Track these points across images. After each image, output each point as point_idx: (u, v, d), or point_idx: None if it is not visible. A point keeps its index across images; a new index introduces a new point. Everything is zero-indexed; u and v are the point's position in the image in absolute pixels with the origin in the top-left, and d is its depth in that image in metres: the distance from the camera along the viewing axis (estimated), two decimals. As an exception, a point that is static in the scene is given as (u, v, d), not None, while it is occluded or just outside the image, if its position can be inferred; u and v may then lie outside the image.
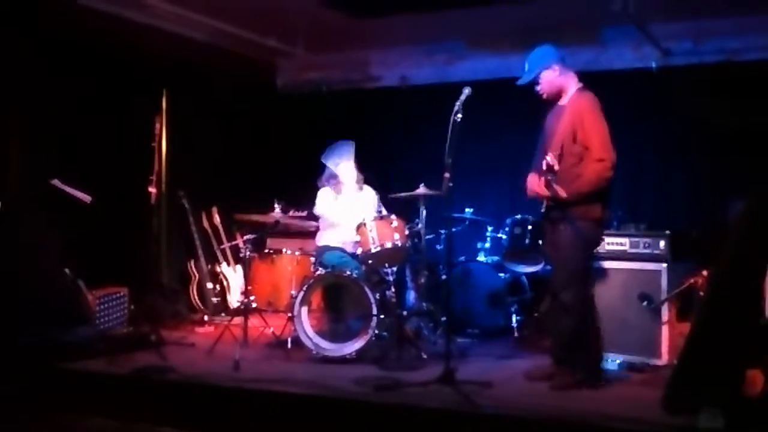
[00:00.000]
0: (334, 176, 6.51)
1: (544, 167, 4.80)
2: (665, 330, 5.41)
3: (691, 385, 4.10)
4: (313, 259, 6.37)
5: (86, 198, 6.24)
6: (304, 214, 6.57)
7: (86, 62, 6.84)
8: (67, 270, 6.37)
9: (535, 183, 4.98)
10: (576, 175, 4.83)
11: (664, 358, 5.37)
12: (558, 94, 5.09)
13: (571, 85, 5.06)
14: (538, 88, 5.10)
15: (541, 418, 4.23)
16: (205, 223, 7.64)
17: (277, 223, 5.96)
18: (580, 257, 4.91)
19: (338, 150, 6.54)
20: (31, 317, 5.84)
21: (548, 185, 4.87)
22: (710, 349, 4.06)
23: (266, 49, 7.95)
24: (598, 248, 5.17)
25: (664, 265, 5.49)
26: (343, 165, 6.49)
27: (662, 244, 5.56)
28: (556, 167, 4.78)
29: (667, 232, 5.58)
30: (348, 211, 6.42)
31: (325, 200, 6.54)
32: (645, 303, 5.44)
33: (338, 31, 7.63)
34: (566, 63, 5.11)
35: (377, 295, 5.70)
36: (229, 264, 7.63)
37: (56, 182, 6.16)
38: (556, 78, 5.04)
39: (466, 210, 7.10)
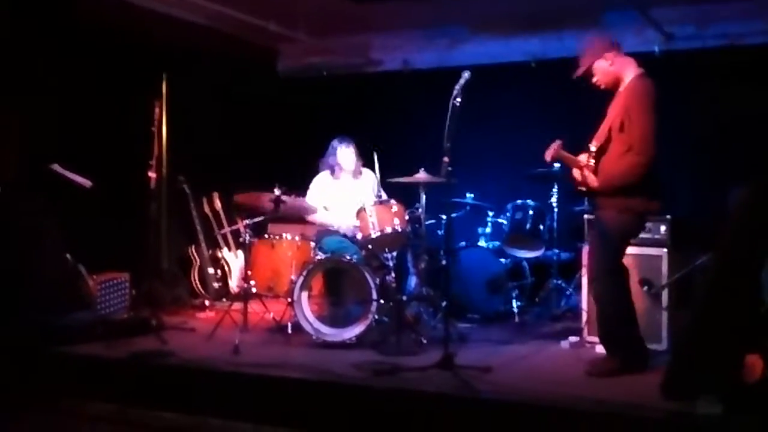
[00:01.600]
0: (332, 158, 6.58)
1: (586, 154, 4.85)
2: (665, 315, 5.40)
3: (690, 370, 4.10)
4: (313, 244, 6.37)
5: (86, 183, 6.23)
6: (305, 198, 6.59)
7: (86, 46, 6.83)
8: (68, 255, 6.37)
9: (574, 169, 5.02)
10: (617, 166, 4.79)
11: (664, 344, 5.36)
12: (615, 83, 4.92)
13: (629, 72, 4.88)
14: (594, 80, 4.95)
15: (540, 403, 4.23)
16: (206, 208, 7.63)
17: (277, 203, 5.93)
18: (613, 248, 4.85)
19: (339, 137, 6.62)
20: (32, 302, 5.84)
21: (583, 173, 4.91)
22: (710, 334, 4.07)
23: (267, 33, 7.92)
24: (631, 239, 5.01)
25: (665, 250, 5.47)
26: (342, 149, 6.53)
27: (663, 229, 5.55)
28: (590, 161, 4.83)
29: (668, 217, 5.55)
30: (344, 197, 6.45)
31: (320, 185, 6.59)
32: (645, 288, 5.42)
33: (339, 15, 7.60)
34: (620, 48, 4.94)
35: (377, 280, 5.70)
36: (230, 249, 7.63)
37: (56, 167, 6.15)
38: (609, 68, 4.88)
39: (467, 195, 7.10)
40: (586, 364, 4.99)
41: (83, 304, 6.41)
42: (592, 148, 4.91)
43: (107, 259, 6.75)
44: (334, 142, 6.63)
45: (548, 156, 5.00)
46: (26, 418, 4.87)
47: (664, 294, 5.43)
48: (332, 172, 6.62)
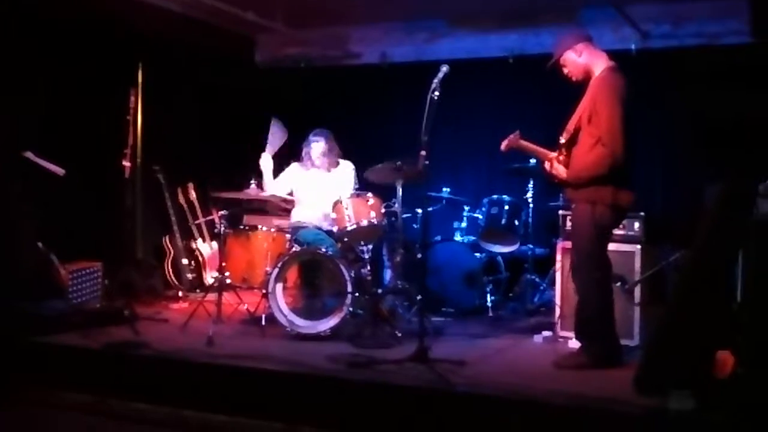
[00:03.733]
0: (305, 153, 6.55)
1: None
2: (638, 311, 5.45)
3: (662, 366, 4.14)
4: (288, 236, 6.35)
5: (59, 171, 6.16)
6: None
7: (61, 34, 6.74)
8: (39, 244, 6.31)
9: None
10: (586, 158, 4.81)
11: (636, 339, 5.41)
12: (586, 76, 4.94)
13: (599, 65, 4.90)
14: (566, 71, 4.98)
15: (513, 396, 4.25)
16: (181, 199, 7.59)
17: (253, 201, 5.92)
18: (587, 240, 4.85)
19: (315, 129, 6.58)
20: (3, 290, 5.78)
21: (552, 164, 4.96)
22: (682, 330, 4.10)
23: (245, 23, 7.87)
24: (611, 231, 5.00)
25: (638, 246, 5.51)
26: (315, 143, 6.49)
27: (637, 225, 5.59)
28: (560, 155, 4.88)
29: (642, 213, 5.59)
30: (317, 190, 6.43)
31: (289, 175, 6.57)
32: (619, 284, 5.45)
33: (318, 7, 7.57)
34: (592, 41, 4.96)
35: (352, 273, 5.69)
36: (204, 240, 7.60)
37: (29, 155, 6.08)
38: (578, 60, 4.91)
39: (444, 189, 7.13)
40: (557, 357, 5.04)
41: (55, 292, 6.34)
42: (562, 140, 4.95)
43: (80, 247, 6.69)
44: (309, 135, 6.59)
45: (503, 146, 5.06)
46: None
47: (637, 290, 5.47)
48: (304, 164, 6.59)
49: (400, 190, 5.90)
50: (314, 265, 5.92)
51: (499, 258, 7.08)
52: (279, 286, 5.79)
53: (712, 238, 4.16)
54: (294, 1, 7.39)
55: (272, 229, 6.40)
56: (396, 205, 6.11)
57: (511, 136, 5.07)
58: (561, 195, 6.46)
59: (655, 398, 4.01)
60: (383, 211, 6.09)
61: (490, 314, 6.68)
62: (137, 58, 6.95)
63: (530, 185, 6.85)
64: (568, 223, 5.68)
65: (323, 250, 5.80)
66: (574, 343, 5.19)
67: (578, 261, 4.94)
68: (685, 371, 4.01)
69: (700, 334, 4.06)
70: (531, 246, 6.85)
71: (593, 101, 4.79)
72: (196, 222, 7.58)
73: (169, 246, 7.41)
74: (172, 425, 4.63)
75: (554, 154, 4.99)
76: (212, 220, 7.35)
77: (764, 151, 6.09)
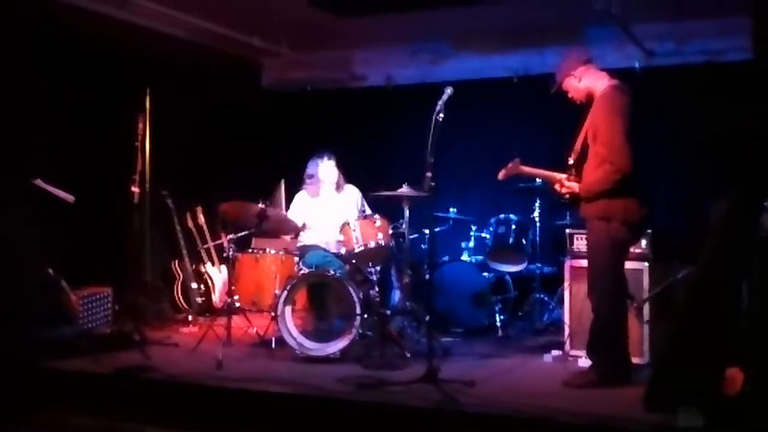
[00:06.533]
0: (311, 176, 6.54)
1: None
2: (647, 329, 5.44)
3: (671, 383, 4.13)
4: (297, 258, 6.38)
5: (69, 198, 6.19)
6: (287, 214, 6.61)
7: (70, 60, 6.82)
8: (50, 270, 6.34)
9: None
10: (595, 176, 4.85)
11: (646, 357, 5.40)
12: (590, 98, 4.99)
13: (600, 84, 4.95)
14: (570, 96, 5.05)
15: (523, 416, 4.24)
16: (189, 222, 7.62)
17: (261, 216, 5.93)
18: (604, 256, 4.87)
19: (319, 151, 6.58)
20: (14, 317, 5.81)
21: (562, 184, 5.00)
22: (691, 348, 4.10)
23: (251, 47, 7.94)
24: (627, 248, 5.04)
25: (646, 264, 5.51)
26: (322, 165, 6.50)
27: (644, 243, 5.58)
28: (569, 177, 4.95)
29: (649, 231, 5.59)
30: (325, 213, 6.45)
31: (299, 205, 6.58)
32: (627, 302, 5.44)
33: (323, 30, 7.64)
34: (592, 63, 5.02)
35: (361, 295, 5.71)
36: (213, 264, 7.62)
37: (39, 182, 6.12)
38: (578, 85, 4.98)
39: (451, 210, 7.14)
40: (566, 376, 5.03)
41: (65, 318, 6.37)
42: (570, 161, 4.99)
43: (90, 273, 6.72)
44: (314, 157, 6.58)
45: (500, 176, 5.12)
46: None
47: (646, 308, 5.46)
48: (311, 190, 6.59)
49: (407, 211, 5.93)
50: (323, 288, 5.94)
51: (507, 277, 7.08)
52: (288, 309, 5.80)
53: (719, 254, 4.17)
54: (299, 25, 7.45)
55: (280, 252, 6.42)
56: (403, 226, 6.12)
57: (510, 164, 5.11)
58: (568, 214, 6.49)
59: (663, 415, 4.00)
60: (390, 232, 6.11)
61: (499, 334, 6.67)
62: (145, 83, 7.00)
63: (537, 204, 6.87)
64: (576, 242, 5.71)
65: (331, 272, 5.82)
66: (584, 362, 5.18)
67: (596, 278, 4.93)
68: (694, 388, 4.00)
69: (708, 351, 4.05)
70: (539, 265, 6.86)
71: (595, 120, 4.85)
72: (205, 246, 7.61)
73: (178, 270, 7.44)
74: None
75: (563, 176, 5.02)
76: (220, 244, 7.38)
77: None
